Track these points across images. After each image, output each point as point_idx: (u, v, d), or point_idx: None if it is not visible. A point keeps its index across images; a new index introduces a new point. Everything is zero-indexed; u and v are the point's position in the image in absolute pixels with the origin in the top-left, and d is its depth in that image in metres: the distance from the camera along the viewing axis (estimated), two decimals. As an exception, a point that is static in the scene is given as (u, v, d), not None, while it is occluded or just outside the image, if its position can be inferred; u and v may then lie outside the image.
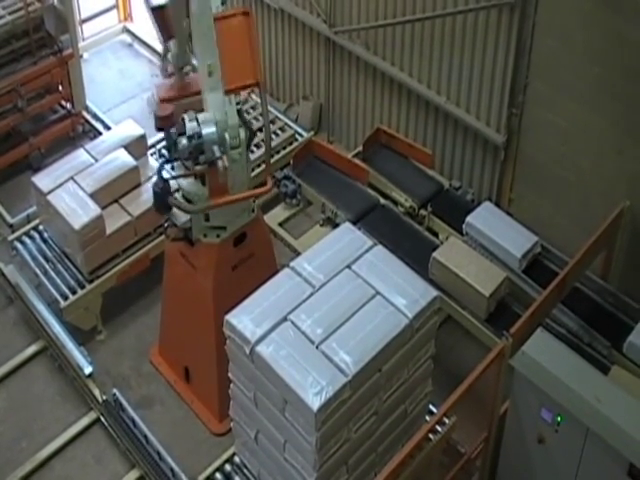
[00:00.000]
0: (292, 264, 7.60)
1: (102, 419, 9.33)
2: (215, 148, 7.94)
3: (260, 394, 7.18)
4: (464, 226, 9.67)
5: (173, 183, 8.61)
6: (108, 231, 9.81)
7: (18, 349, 10.09)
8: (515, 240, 9.42)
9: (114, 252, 10.09)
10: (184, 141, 8.01)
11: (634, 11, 8.13)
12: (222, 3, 7.98)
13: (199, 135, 7.90)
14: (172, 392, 9.68)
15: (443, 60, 10.17)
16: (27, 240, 10.52)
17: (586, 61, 8.73)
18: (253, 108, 11.88)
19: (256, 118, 11.55)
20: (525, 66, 9.34)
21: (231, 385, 7.59)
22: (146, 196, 10.03)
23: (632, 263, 9.08)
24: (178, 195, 8.66)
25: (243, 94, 11.25)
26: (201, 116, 7.97)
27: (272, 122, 11.94)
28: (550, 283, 7.75)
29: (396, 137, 10.85)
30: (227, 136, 7.98)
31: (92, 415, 9.43)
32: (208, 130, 7.91)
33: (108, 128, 12.29)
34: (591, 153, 9.10)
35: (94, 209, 9.71)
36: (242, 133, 8.08)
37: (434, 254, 9.42)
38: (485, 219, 9.64)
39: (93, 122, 12.70)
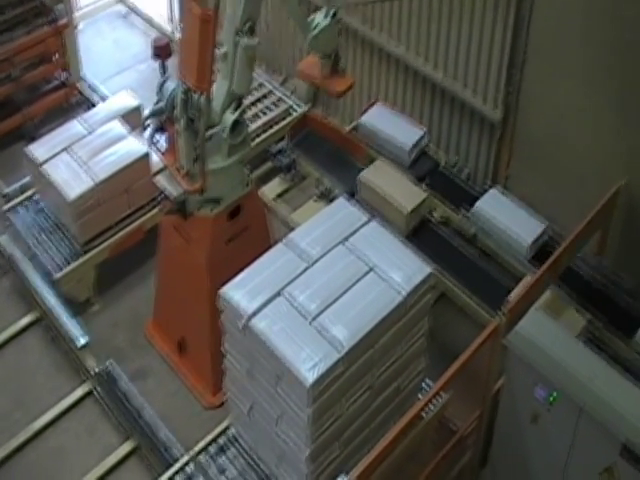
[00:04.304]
0: (286, 239, 7.58)
1: (96, 391, 9.34)
2: (178, 108, 8.02)
3: (254, 368, 7.19)
4: (471, 213, 9.70)
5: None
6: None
7: (12, 320, 10.11)
8: (524, 227, 9.47)
9: (108, 224, 10.06)
10: (171, 87, 8.16)
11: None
12: None
13: (186, 91, 7.92)
14: (166, 364, 9.71)
15: (440, 35, 10.10)
16: (21, 210, 10.49)
17: (584, 39, 8.68)
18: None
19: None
20: (523, 43, 9.28)
21: (225, 359, 7.59)
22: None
23: (627, 241, 9.09)
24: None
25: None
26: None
27: (267, 95, 11.95)
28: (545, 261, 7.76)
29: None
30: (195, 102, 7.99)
31: (86, 387, 9.44)
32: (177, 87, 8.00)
33: (103, 99, 12.20)
34: (588, 131, 9.08)
35: (88, 180, 9.67)
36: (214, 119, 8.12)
37: (359, 175, 10.02)
38: (493, 206, 9.68)
39: (88, 93, 12.62)
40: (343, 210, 7.88)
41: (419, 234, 9.88)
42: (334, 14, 8.28)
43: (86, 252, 9.95)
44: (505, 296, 8.58)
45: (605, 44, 8.54)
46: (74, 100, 12.62)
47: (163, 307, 9.76)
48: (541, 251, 9.42)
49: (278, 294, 7.08)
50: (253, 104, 11.68)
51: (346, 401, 7.06)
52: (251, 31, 7.70)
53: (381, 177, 10.08)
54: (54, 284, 9.82)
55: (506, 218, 9.54)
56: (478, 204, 9.71)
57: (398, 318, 7.19)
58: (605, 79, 8.68)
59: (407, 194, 9.90)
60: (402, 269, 7.30)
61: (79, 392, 9.44)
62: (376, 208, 9.86)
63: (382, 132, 10.43)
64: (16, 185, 10.92)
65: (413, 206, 9.77)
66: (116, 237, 10.11)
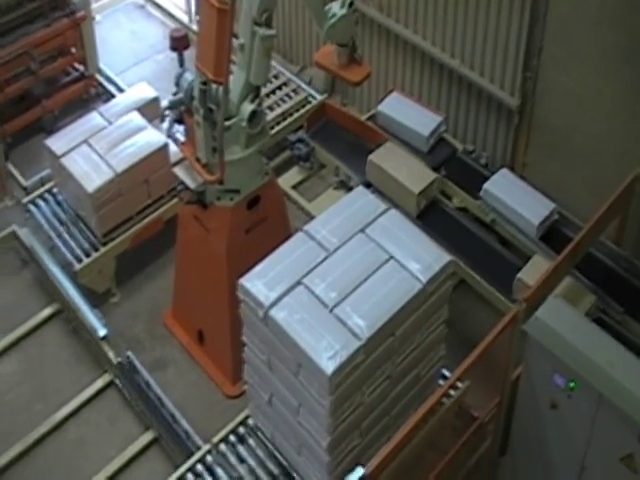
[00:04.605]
0: (306, 228, 7.59)
1: (116, 381, 9.40)
2: (196, 99, 8.07)
3: (274, 358, 7.21)
4: (481, 193, 9.68)
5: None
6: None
7: (33, 311, 10.14)
8: (532, 207, 9.46)
9: (128, 215, 10.11)
10: (189, 78, 8.24)
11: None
12: None
13: (204, 82, 7.96)
14: (186, 354, 9.74)
15: (457, 23, 10.08)
16: (41, 203, 10.54)
17: (601, 25, 8.65)
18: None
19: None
20: (540, 29, 9.25)
21: (245, 348, 7.62)
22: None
23: (646, 229, 9.09)
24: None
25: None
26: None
27: (285, 84, 11.97)
28: (564, 249, 7.75)
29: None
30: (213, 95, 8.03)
31: (106, 377, 9.49)
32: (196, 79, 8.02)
33: (121, 90, 12.26)
34: (605, 118, 9.05)
35: (107, 172, 9.71)
36: (231, 110, 8.13)
37: (369, 157, 10.14)
38: (502, 186, 9.67)
39: (106, 84, 12.65)
40: (362, 199, 7.89)
41: (429, 215, 9.96)
42: (351, 3, 8.27)
43: (106, 243, 9.99)
44: (514, 274, 8.87)
45: (622, 29, 8.50)
46: (93, 92, 12.65)
47: (182, 297, 9.80)
48: (550, 232, 9.46)
49: (298, 283, 7.10)
50: (271, 92, 11.70)
51: (366, 389, 7.09)
52: (268, 22, 7.69)
53: (391, 159, 10.15)
54: (74, 276, 9.86)
55: (515, 198, 9.55)
56: (487, 184, 9.73)
57: (418, 306, 7.20)
58: (622, 64, 8.65)
59: (417, 175, 9.96)
60: (421, 257, 7.31)
61: (100, 383, 9.48)
62: (386, 189, 10.01)
63: (400, 120, 10.43)
64: (36, 178, 11.01)
65: (423, 187, 9.83)
66: (136, 228, 10.16)
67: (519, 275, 9.02)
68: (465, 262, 9.33)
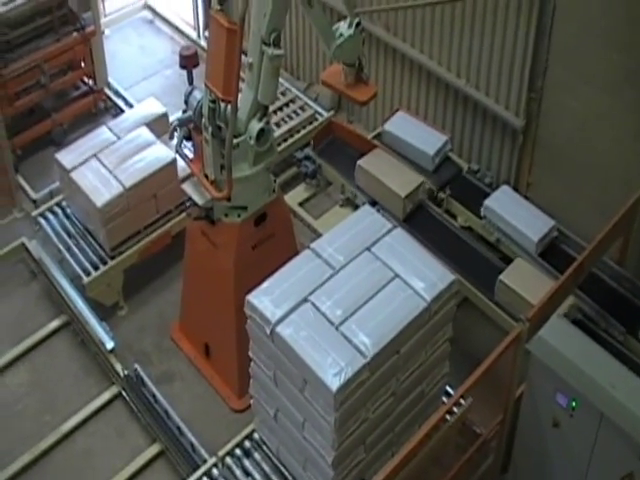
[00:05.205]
0: (312, 245, 7.70)
1: (124, 394, 9.49)
2: (205, 117, 8.18)
3: (280, 373, 7.31)
4: (482, 209, 9.79)
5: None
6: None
7: (41, 323, 10.24)
8: (532, 224, 9.56)
9: (136, 229, 10.21)
10: (198, 96, 8.37)
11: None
12: (219, 3, 7.82)
13: (212, 101, 8.08)
14: (192, 368, 9.83)
15: (463, 43, 10.21)
16: (50, 216, 10.65)
17: (605, 47, 8.76)
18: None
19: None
20: (545, 50, 9.37)
21: (251, 364, 7.71)
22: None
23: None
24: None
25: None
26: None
27: (292, 101, 12.05)
28: (567, 268, 7.83)
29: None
30: (221, 113, 8.16)
31: (114, 389, 9.58)
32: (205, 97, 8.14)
33: (129, 105, 12.40)
34: (609, 138, 9.15)
35: (116, 186, 9.82)
36: (239, 128, 8.24)
37: (358, 162, 10.39)
38: (503, 203, 9.77)
39: (115, 99, 12.76)
40: (368, 217, 8.01)
41: (415, 218, 10.16)
42: (358, 24, 8.38)
43: (114, 257, 10.09)
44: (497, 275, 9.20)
45: (626, 50, 8.62)
46: (102, 106, 12.79)
47: (189, 311, 9.89)
48: (549, 248, 9.58)
49: (304, 300, 7.21)
50: (279, 109, 11.79)
51: (371, 406, 7.18)
52: (276, 42, 7.79)
53: (379, 164, 10.38)
54: (83, 288, 9.96)
55: (515, 215, 9.66)
56: (488, 201, 9.85)
57: (422, 324, 7.30)
58: (626, 86, 8.75)
59: (404, 179, 10.17)
60: (426, 276, 7.42)
61: (107, 395, 9.57)
62: (374, 193, 10.31)
63: (405, 139, 10.54)
64: (45, 190, 11.12)
65: (409, 191, 10.03)
66: (144, 242, 10.26)
67: (501, 277, 9.21)
68: (450, 265, 9.34)
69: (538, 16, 9.24)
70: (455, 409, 7.87)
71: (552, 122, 9.69)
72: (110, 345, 9.50)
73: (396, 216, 9.98)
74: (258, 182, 8.66)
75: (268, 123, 8.41)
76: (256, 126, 8.23)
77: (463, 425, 8.28)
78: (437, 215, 10.21)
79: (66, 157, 10.18)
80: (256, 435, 8.36)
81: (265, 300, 7.21)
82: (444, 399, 8.28)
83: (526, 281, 9.11)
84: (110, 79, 12.96)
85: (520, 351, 7.15)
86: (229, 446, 8.37)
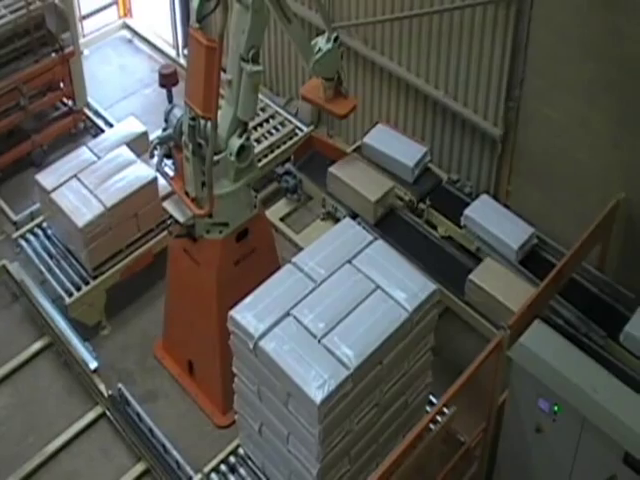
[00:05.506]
0: (294, 260, 7.73)
1: (108, 413, 9.46)
2: (185, 135, 8.21)
3: (264, 388, 7.31)
4: (462, 219, 9.83)
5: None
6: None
7: (24, 345, 10.20)
8: (512, 232, 9.58)
9: (118, 248, 10.19)
10: (178, 114, 8.37)
11: (630, 5, 8.22)
12: (198, 21, 7.91)
13: (192, 118, 8.09)
14: (176, 386, 9.81)
15: (441, 55, 10.26)
16: (31, 237, 10.62)
17: (582, 55, 8.82)
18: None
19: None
20: (522, 61, 9.43)
21: (235, 379, 7.72)
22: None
23: (627, 254, 9.20)
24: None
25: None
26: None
27: (272, 117, 12.07)
28: (547, 275, 7.87)
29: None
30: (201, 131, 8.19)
31: (98, 409, 9.55)
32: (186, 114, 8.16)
33: (109, 124, 12.40)
34: (587, 146, 9.20)
35: (97, 206, 9.81)
36: (219, 145, 8.27)
37: (329, 169, 10.49)
38: (483, 212, 9.80)
39: (94, 119, 12.75)
40: (349, 230, 8.06)
41: (387, 223, 10.23)
42: (336, 38, 8.42)
43: (96, 277, 10.07)
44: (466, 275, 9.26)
45: (603, 60, 8.67)
46: (81, 126, 12.77)
47: (172, 328, 9.88)
48: (529, 255, 9.60)
49: (287, 314, 7.23)
50: (259, 125, 11.81)
51: (355, 417, 7.19)
52: (255, 58, 7.83)
53: (350, 170, 10.46)
54: (65, 309, 9.93)
55: (495, 223, 9.68)
56: (468, 210, 9.88)
57: (404, 335, 7.33)
58: (603, 94, 8.81)
59: (374, 184, 10.25)
60: (407, 286, 7.45)
61: (91, 415, 9.53)
62: (345, 199, 10.42)
63: (385, 151, 10.57)
64: (26, 212, 11.08)
65: (379, 195, 10.11)
66: (126, 261, 10.24)
67: (470, 276, 9.27)
68: (422, 268, 9.38)
69: (514, 27, 9.31)
70: (439, 418, 7.87)
71: (530, 131, 9.74)
72: (93, 365, 9.46)
73: (368, 221, 10.09)
74: (239, 198, 8.69)
75: (248, 139, 8.44)
76: (236, 142, 8.26)
77: (447, 434, 8.28)
78: (409, 219, 10.26)
79: (46, 178, 10.17)
80: (241, 450, 8.37)
81: (248, 315, 7.23)
82: (428, 408, 8.29)
83: (496, 280, 9.19)
84: (89, 99, 12.95)
85: (502, 358, 7.18)
86: (214, 462, 8.38)
